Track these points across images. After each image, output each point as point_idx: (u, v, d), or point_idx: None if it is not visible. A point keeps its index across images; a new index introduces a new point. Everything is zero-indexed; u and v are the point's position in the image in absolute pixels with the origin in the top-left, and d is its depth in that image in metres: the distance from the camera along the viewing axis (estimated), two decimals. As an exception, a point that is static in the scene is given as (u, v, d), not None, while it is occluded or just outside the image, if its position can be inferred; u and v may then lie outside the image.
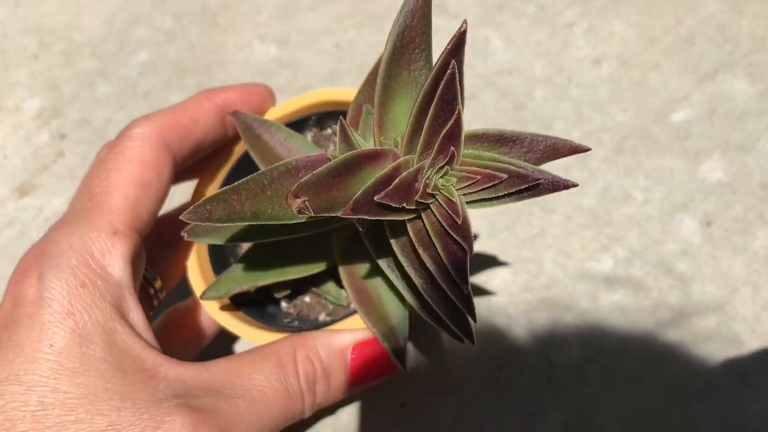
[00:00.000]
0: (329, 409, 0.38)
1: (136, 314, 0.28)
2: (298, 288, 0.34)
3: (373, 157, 0.25)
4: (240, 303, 0.33)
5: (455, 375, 0.38)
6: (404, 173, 0.24)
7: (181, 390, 0.27)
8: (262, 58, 0.49)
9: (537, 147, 0.25)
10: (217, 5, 0.51)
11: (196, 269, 0.33)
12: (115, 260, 0.28)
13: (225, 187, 0.25)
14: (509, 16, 0.48)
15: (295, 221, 0.26)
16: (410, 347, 0.40)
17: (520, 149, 0.25)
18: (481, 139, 0.25)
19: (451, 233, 0.24)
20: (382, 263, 0.28)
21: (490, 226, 0.41)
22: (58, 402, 0.25)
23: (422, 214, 0.25)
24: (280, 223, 0.26)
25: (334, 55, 0.49)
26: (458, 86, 0.24)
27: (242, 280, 0.31)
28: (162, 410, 0.25)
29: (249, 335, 0.32)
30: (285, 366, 0.30)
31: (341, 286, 0.34)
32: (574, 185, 0.23)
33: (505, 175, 0.24)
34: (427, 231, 0.25)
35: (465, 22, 0.23)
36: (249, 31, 0.50)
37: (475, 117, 0.45)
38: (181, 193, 0.41)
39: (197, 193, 0.34)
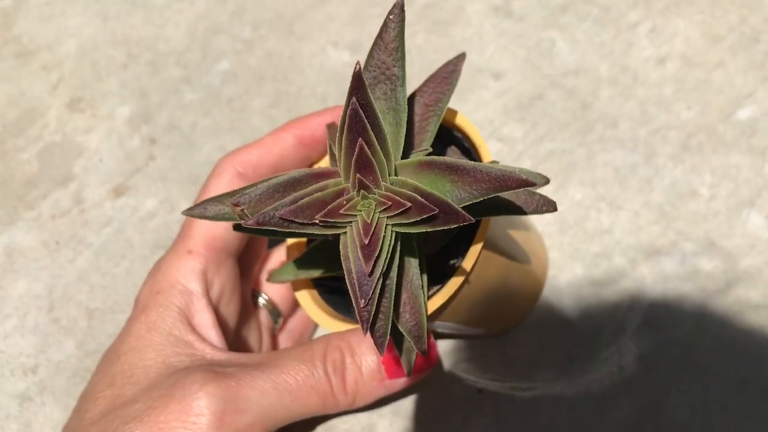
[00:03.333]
0: (401, 395, 0.41)
1: (203, 316, 0.36)
2: None
3: (319, 176, 0.29)
4: (333, 295, 0.36)
5: (529, 364, 0.40)
6: (318, 194, 0.28)
7: (214, 364, 0.33)
8: (335, 63, 0.52)
9: (483, 177, 0.26)
10: (291, 14, 0.54)
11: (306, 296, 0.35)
12: (187, 273, 0.36)
13: (226, 192, 0.30)
14: (573, 18, 0.50)
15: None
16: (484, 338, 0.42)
17: (467, 179, 0.27)
18: (433, 166, 0.28)
19: (358, 251, 0.27)
20: None
21: (561, 222, 0.43)
22: (127, 367, 0.34)
23: (348, 230, 0.28)
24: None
25: (404, 59, 0.51)
26: (364, 121, 0.26)
27: (299, 271, 0.34)
28: (187, 371, 0.33)
29: (329, 325, 0.34)
30: (313, 350, 0.34)
31: None
32: (470, 221, 0.25)
33: (409, 204, 0.26)
34: (347, 245, 0.28)
35: (358, 63, 0.26)
36: (323, 38, 0.53)
37: (542, 117, 0.47)
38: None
39: None
